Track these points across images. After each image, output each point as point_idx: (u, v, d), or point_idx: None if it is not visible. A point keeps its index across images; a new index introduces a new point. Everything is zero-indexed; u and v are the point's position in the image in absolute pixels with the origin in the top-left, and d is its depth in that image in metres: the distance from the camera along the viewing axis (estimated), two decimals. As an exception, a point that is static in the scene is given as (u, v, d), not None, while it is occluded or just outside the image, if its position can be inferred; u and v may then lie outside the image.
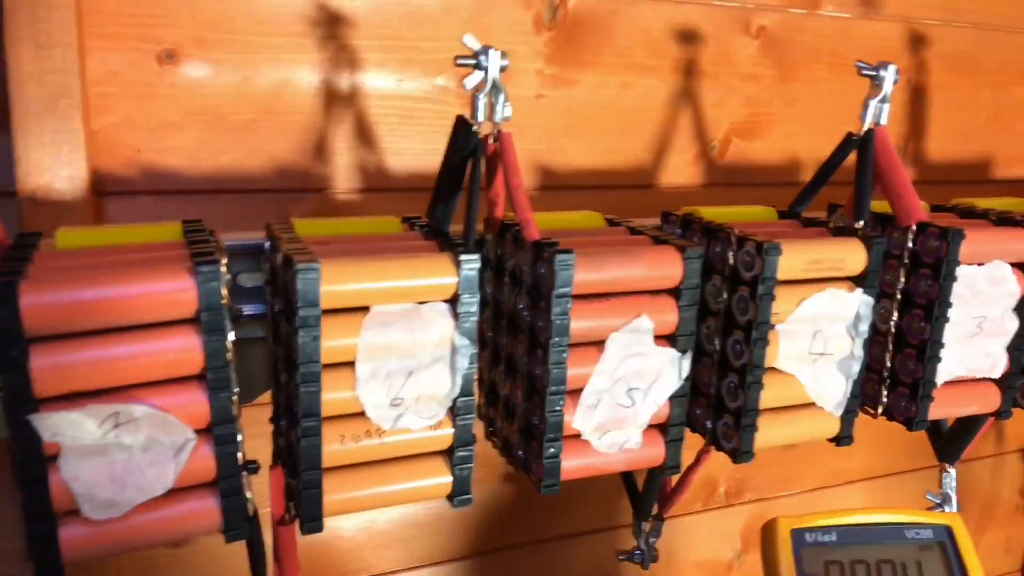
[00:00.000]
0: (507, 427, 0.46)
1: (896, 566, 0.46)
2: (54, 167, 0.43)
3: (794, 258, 0.44)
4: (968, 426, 0.58)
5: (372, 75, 0.54)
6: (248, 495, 0.39)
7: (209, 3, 0.49)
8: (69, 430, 0.32)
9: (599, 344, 0.42)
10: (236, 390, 0.38)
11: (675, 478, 0.52)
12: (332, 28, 0.53)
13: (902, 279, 0.50)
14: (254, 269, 0.44)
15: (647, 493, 0.50)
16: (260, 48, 0.51)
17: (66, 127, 0.43)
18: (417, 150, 0.56)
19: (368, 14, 0.53)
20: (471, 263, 0.37)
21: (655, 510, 0.53)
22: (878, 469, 0.82)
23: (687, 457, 0.50)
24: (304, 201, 0.54)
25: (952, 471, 0.61)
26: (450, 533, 0.65)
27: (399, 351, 0.37)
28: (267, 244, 0.40)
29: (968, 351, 0.51)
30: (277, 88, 0.52)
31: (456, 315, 0.38)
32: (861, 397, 0.54)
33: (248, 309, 0.44)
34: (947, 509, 0.61)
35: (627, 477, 0.52)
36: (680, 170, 0.66)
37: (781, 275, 0.44)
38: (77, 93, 0.43)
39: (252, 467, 0.39)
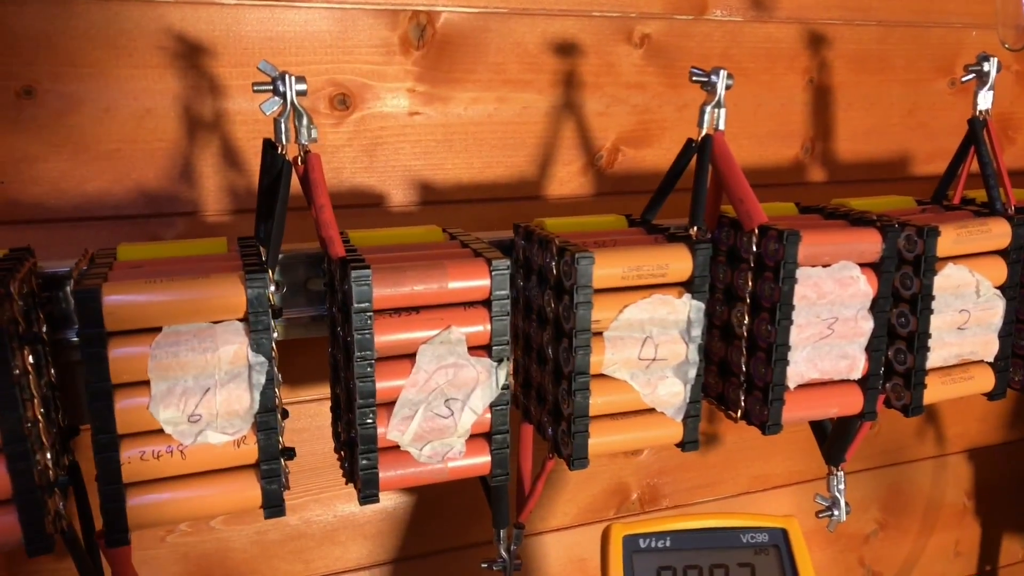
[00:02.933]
0: (343, 440, 0.47)
1: (730, 570, 0.46)
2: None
3: (611, 266, 0.45)
4: (846, 428, 0.57)
5: (236, 100, 0.56)
6: (63, 510, 0.40)
7: (65, 40, 0.52)
8: None
9: (414, 357, 0.43)
10: (42, 408, 0.40)
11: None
12: (192, 58, 0.55)
13: (750, 283, 0.51)
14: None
15: (495, 501, 0.51)
16: (120, 80, 0.53)
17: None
18: (284, 171, 0.58)
19: (228, 43, 0.55)
20: (257, 282, 0.39)
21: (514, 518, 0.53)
22: (803, 473, 0.81)
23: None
24: (173, 225, 0.56)
25: (840, 474, 0.60)
26: (346, 544, 0.66)
27: (193, 369, 0.39)
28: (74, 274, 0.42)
29: (821, 353, 0.51)
30: (139, 117, 0.54)
31: (249, 333, 0.39)
32: (725, 401, 0.54)
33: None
34: (835, 513, 0.60)
35: (485, 485, 0.53)
36: (566, 181, 0.66)
37: (599, 283, 0.45)
38: (-80, 132, 0.46)
39: (64, 482, 0.40)
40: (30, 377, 0.38)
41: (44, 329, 0.42)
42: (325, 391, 0.62)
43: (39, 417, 0.39)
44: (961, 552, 0.92)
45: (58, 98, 0.52)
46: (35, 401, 0.38)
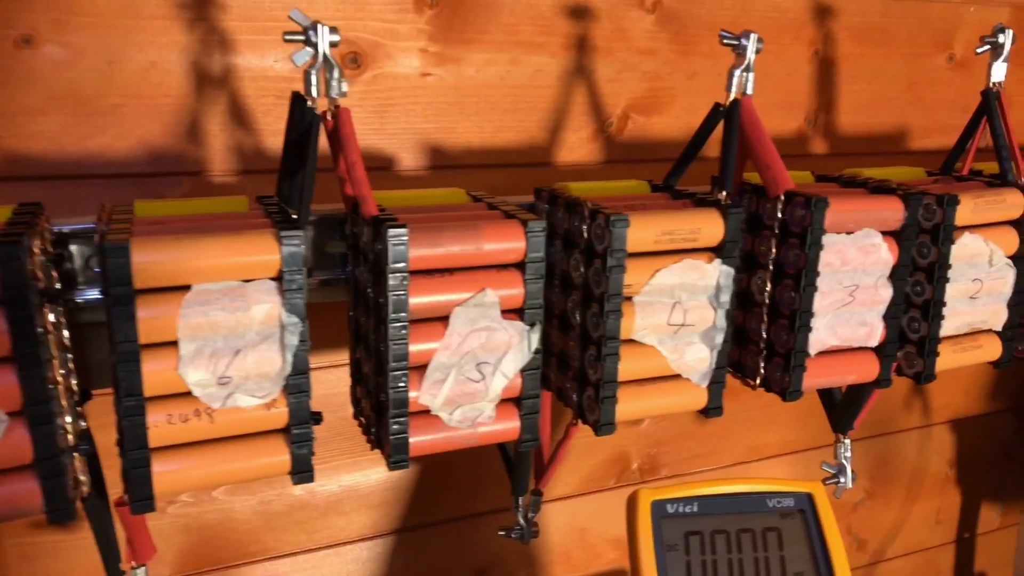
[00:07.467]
0: (367, 406, 0.46)
1: (756, 535, 0.46)
2: None
3: (644, 230, 0.44)
4: (857, 396, 0.58)
5: (245, 56, 0.54)
6: (82, 477, 0.39)
7: (66, -14, 0.49)
8: None
9: (445, 319, 0.42)
10: (61, 370, 0.38)
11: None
12: (200, 10, 0.52)
13: (773, 249, 0.50)
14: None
15: (517, 468, 0.50)
16: (124, 31, 0.51)
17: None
18: (294, 131, 0.56)
19: (237, -5, 0.53)
20: (293, 239, 0.37)
21: (533, 485, 0.53)
22: (799, 443, 0.82)
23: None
24: (178, 184, 0.54)
25: (847, 441, 0.61)
26: (351, 515, 0.65)
27: (224, 329, 0.37)
28: (98, 229, 0.40)
29: (841, 320, 0.51)
30: (144, 71, 0.52)
31: (283, 292, 0.38)
32: (742, 368, 0.54)
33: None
34: (842, 480, 0.61)
35: (504, 452, 0.52)
36: (576, 148, 0.65)
37: (632, 247, 0.44)
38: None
39: (84, 448, 0.39)
40: (50, 337, 0.36)
41: (58, 287, 0.40)
42: (331, 358, 0.60)
43: (59, 379, 0.37)
44: (942, 520, 0.95)
45: (58, 48, 0.50)
46: (55, 362, 0.36)
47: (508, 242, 0.42)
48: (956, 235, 0.52)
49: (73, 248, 0.44)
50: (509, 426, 0.44)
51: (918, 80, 0.78)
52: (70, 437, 0.37)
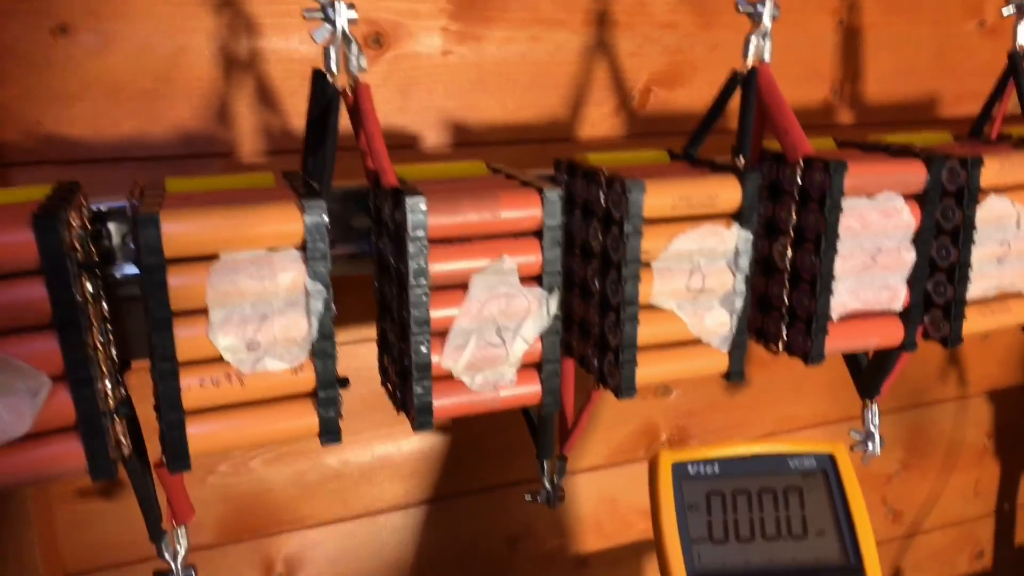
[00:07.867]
0: (393, 371, 0.48)
1: (777, 494, 0.46)
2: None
3: (661, 196, 0.45)
4: (884, 361, 0.57)
5: (271, 39, 0.56)
6: (123, 439, 0.41)
7: (99, -25, 0.51)
8: (-76, 377, 0.34)
9: (465, 287, 0.43)
10: (101, 338, 0.40)
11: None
12: (226, -6, 0.54)
13: (794, 215, 0.50)
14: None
15: (541, 432, 0.51)
16: (154, 17, 0.53)
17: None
18: (320, 111, 0.57)
19: (261, -21, 0.54)
20: (315, 209, 0.39)
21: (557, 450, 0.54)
22: (829, 415, 0.82)
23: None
24: (210, 166, 0.56)
25: (875, 407, 0.61)
26: (383, 484, 0.67)
27: (251, 296, 0.39)
28: (130, 203, 0.42)
29: (864, 284, 0.51)
30: (175, 56, 0.53)
31: (307, 260, 0.39)
32: (765, 335, 0.54)
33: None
34: (870, 446, 0.61)
35: (529, 418, 0.53)
36: (598, 122, 0.66)
37: (649, 213, 0.44)
38: (-37, 67, 0.45)
39: (123, 411, 0.41)
40: (90, 306, 0.38)
41: (96, 261, 0.42)
42: (363, 333, 0.62)
43: (98, 346, 0.39)
44: (980, 492, 0.94)
45: (93, 35, 0.52)
46: (94, 329, 0.38)
47: (525, 210, 0.43)
48: (982, 197, 0.52)
49: (111, 226, 0.46)
50: (530, 390, 0.45)
51: (948, 47, 0.77)
52: (111, 401, 0.39)
